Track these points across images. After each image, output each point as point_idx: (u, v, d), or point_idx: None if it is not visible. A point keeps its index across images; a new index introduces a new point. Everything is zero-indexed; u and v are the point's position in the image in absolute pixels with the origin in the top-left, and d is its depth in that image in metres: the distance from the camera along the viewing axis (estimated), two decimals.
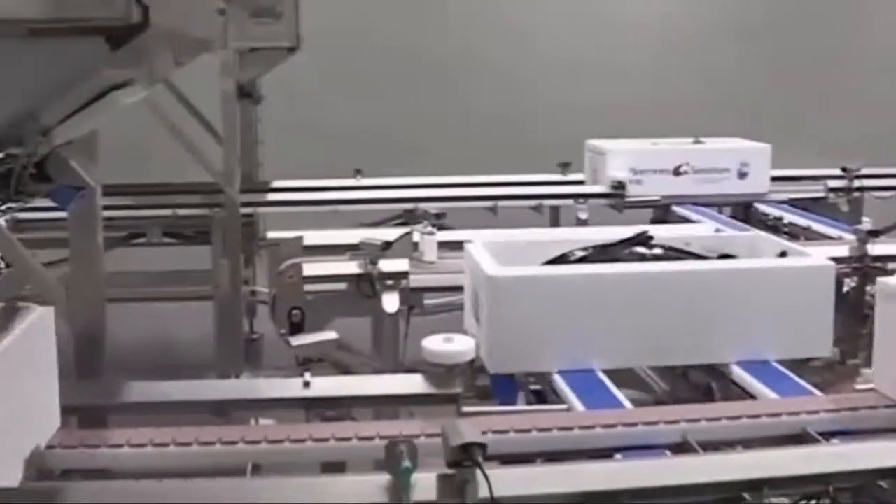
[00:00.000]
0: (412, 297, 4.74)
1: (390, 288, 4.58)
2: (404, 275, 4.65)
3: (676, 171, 7.15)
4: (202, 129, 6.67)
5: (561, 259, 4.17)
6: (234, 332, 5.97)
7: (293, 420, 3.34)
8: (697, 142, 7.42)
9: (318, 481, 2.64)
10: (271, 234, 5.60)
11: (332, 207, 6.66)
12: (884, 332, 3.33)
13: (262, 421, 3.54)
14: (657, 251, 4.25)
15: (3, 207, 2.54)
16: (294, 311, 4.32)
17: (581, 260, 4.16)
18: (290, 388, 3.42)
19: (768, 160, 7.27)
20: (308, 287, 4.45)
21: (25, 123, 2.42)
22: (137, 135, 6.26)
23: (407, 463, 2.39)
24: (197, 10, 2.91)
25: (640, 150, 7.27)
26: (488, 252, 3.99)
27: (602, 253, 4.21)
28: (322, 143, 8.33)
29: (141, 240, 6.48)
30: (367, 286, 4.55)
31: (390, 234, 5.03)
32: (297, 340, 4.05)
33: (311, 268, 4.56)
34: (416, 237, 5.06)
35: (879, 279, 3.56)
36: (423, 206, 6.60)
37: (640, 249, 4.27)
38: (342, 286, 4.60)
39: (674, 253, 4.23)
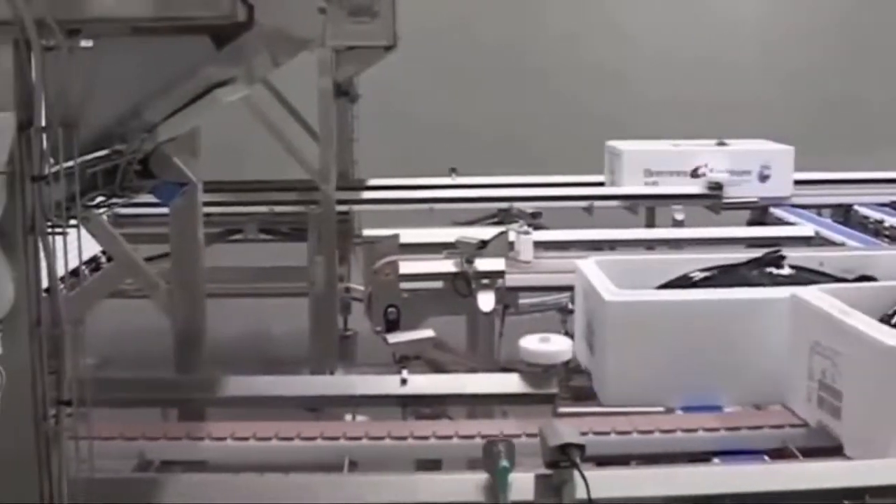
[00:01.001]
0: (507, 297, 4.73)
1: (486, 287, 4.56)
2: (500, 274, 4.63)
3: (694, 173, 7.04)
4: (299, 127, 6.72)
5: (682, 281, 3.79)
6: (328, 329, 6.01)
7: (387, 417, 3.36)
8: (721, 143, 7.26)
9: (415, 478, 2.65)
10: (367, 232, 5.64)
11: (426, 206, 6.66)
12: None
13: (358, 418, 3.57)
14: (786, 271, 3.82)
15: (108, 203, 2.56)
16: (390, 309, 4.32)
17: (705, 281, 3.77)
18: (387, 385, 3.43)
19: (791, 163, 7.08)
20: (404, 285, 4.46)
21: (130, 121, 2.45)
22: (235, 132, 6.32)
23: (505, 462, 2.39)
24: (299, 9, 2.92)
25: (657, 151, 7.15)
26: (604, 272, 3.64)
27: (728, 274, 3.80)
28: (417, 142, 8.35)
29: (238, 236, 6.55)
30: (462, 285, 4.53)
31: (486, 233, 5.02)
32: (394, 338, 4.05)
33: (407, 266, 4.56)
34: (511, 236, 5.04)
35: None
36: (518, 205, 6.59)
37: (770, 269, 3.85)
38: (438, 284, 4.60)
39: (807, 275, 3.78)
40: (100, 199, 2.49)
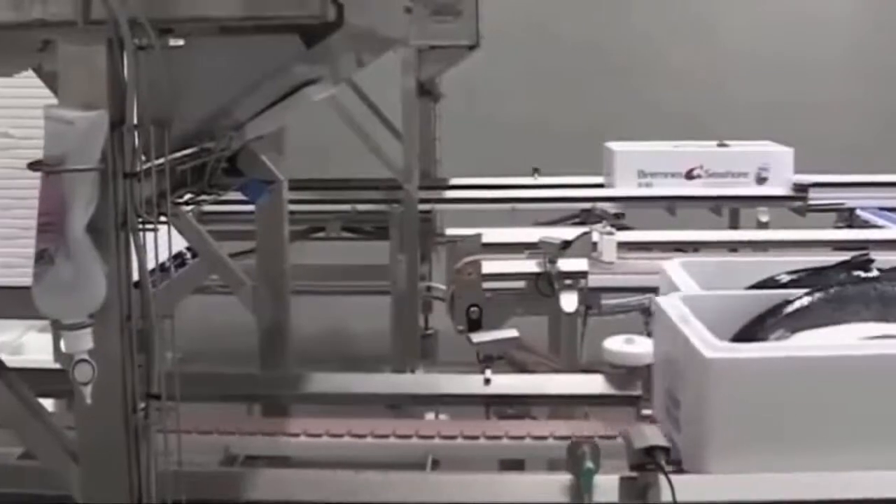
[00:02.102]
0: (590, 297, 4.70)
1: (569, 287, 4.54)
2: (583, 274, 4.61)
3: (689, 175, 6.91)
4: (382, 126, 6.76)
5: (769, 283, 3.40)
6: (409, 328, 6.04)
7: (469, 417, 3.36)
8: (722, 145, 7.13)
9: (500, 479, 2.64)
10: (450, 231, 5.65)
11: (508, 205, 6.65)
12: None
13: (440, 416, 3.57)
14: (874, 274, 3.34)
15: (196, 200, 2.59)
16: (472, 309, 4.32)
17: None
18: (470, 384, 3.43)
19: (790, 165, 6.90)
20: (486, 284, 4.45)
21: (219, 119, 2.48)
22: (319, 131, 6.38)
23: (590, 464, 2.37)
24: (386, 8, 2.93)
25: (650, 152, 7.02)
26: (689, 273, 3.29)
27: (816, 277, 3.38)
28: (500, 141, 8.34)
29: (321, 234, 6.60)
30: (545, 285, 4.51)
31: (568, 233, 5.00)
32: (478, 337, 4.05)
33: (490, 265, 4.56)
34: (594, 237, 5.02)
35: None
36: (600, 205, 6.56)
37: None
38: (520, 284, 4.58)
39: None
40: (188, 196, 2.53)
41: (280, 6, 2.11)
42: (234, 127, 2.57)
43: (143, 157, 2.11)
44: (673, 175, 6.91)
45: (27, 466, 2.78)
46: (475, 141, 7.98)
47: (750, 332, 2.97)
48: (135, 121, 2.09)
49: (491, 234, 4.95)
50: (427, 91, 7.11)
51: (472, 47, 6.73)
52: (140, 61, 2.07)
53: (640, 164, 6.90)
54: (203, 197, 2.55)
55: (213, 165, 2.53)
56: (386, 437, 3.00)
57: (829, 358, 2.66)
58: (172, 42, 2.20)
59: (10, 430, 2.33)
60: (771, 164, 6.94)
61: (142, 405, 2.12)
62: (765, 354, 2.72)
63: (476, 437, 2.99)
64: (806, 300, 3.07)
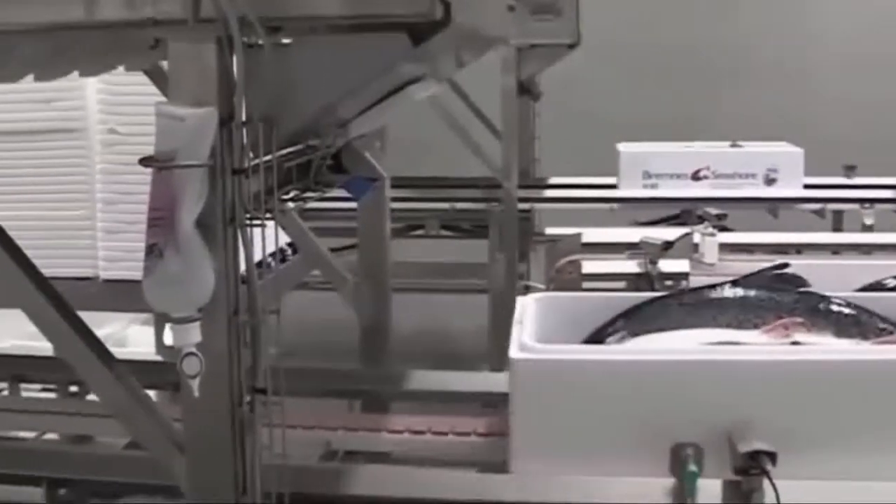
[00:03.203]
0: None
1: (669, 288, 4.50)
2: (684, 276, 4.56)
3: (695, 176, 6.75)
4: (481, 124, 6.76)
5: (876, 287, 3.37)
6: (507, 326, 6.01)
7: None
8: (735, 145, 6.96)
9: (602, 481, 2.62)
10: (549, 231, 5.63)
11: (608, 205, 6.61)
12: None
13: None
14: None
15: (302, 197, 2.62)
16: None
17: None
18: None
19: (800, 166, 6.71)
20: (586, 284, 4.43)
21: (324, 117, 2.50)
22: (418, 128, 6.40)
23: (693, 467, 2.35)
24: (490, 7, 2.93)
25: (656, 153, 6.85)
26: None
27: None
28: (599, 140, 8.27)
29: (419, 231, 6.62)
30: (646, 285, 4.48)
31: (670, 233, 4.95)
32: None
33: (590, 265, 4.53)
34: (696, 238, 4.97)
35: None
36: (701, 206, 6.48)
37: None
38: (620, 285, 4.55)
39: None
40: (294, 192, 2.55)
41: (388, 4, 2.12)
42: (339, 124, 2.59)
43: (251, 154, 2.13)
44: (679, 176, 6.80)
45: (133, 456, 2.84)
46: (574, 140, 7.93)
47: (599, 333, 2.98)
48: (243, 118, 2.11)
49: (591, 234, 4.93)
50: (526, 89, 7.09)
51: (571, 46, 6.69)
52: (249, 59, 2.09)
53: (645, 165, 6.80)
54: (308, 194, 2.58)
55: (318, 162, 2.56)
56: (487, 435, 3.00)
57: (625, 362, 2.63)
58: (282, 40, 2.23)
59: (118, 420, 2.36)
60: (780, 166, 6.80)
61: (247, 398, 2.15)
62: (564, 357, 2.68)
63: None
64: (659, 303, 3.11)
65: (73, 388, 3.89)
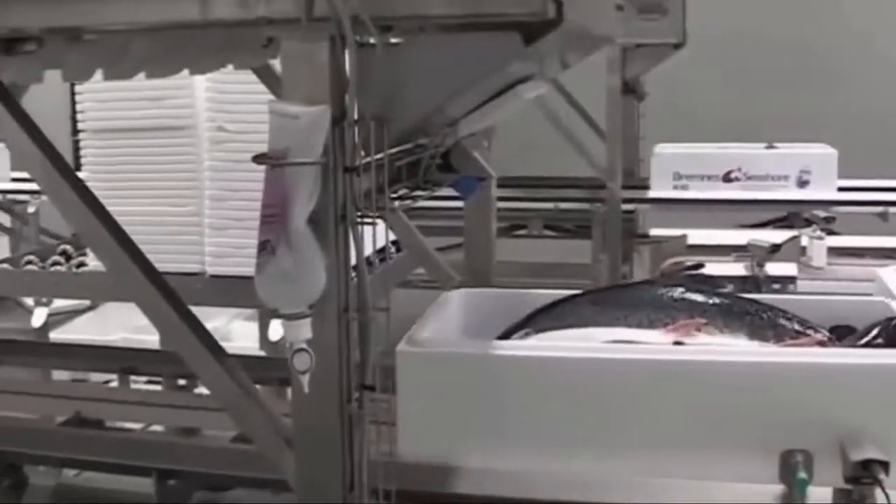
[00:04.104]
0: None
1: (776, 292, 4.45)
2: (792, 279, 4.51)
3: (727, 178, 6.60)
4: (585, 124, 6.74)
5: None
6: None
7: None
8: (770, 147, 6.79)
9: (711, 485, 2.59)
10: (654, 232, 5.59)
11: (712, 206, 6.54)
12: None
13: None
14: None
15: (411, 196, 2.63)
16: None
17: None
18: None
19: (834, 168, 6.52)
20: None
21: (435, 116, 2.51)
22: (522, 128, 6.39)
23: (803, 474, 2.31)
24: (599, 6, 2.92)
25: (687, 154, 6.72)
26: None
27: None
28: (704, 141, 8.20)
29: (522, 231, 6.62)
30: (752, 288, 4.43)
31: (776, 236, 4.90)
32: None
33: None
34: (803, 241, 4.91)
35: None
36: (808, 209, 6.39)
37: None
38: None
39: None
40: (403, 191, 2.56)
41: (500, 3, 2.12)
42: (449, 123, 2.59)
43: (362, 153, 2.15)
44: (709, 178, 6.69)
45: (241, 449, 2.88)
46: (679, 140, 7.86)
47: (512, 330, 2.92)
48: (355, 116, 2.12)
49: (695, 236, 4.90)
50: (631, 89, 7.05)
51: (677, 46, 6.64)
52: (361, 58, 2.10)
53: (675, 166, 6.70)
54: (417, 192, 2.59)
55: (427, 161, 2.57)
56: None
57: (495, 357, 2.59)
58: (393, 39, 2.24)
59: (227, 414, 2.39)
60: (813, 167, 6.65)
61: (356, 395, 2.16)
62: (443, 351, 2.64)
63: None
64: (574, 301, 2.99)
65: (181, 382, 3.96)
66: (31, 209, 8.21)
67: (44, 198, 7.93)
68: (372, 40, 2.10)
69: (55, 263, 5.10)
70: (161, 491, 2.97)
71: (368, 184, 2.16)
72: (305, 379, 2.08)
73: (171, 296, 2.39)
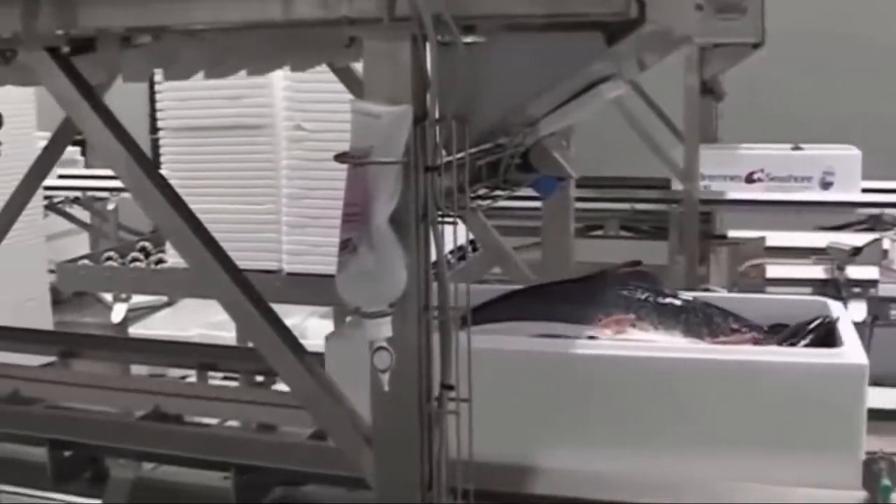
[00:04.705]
0: (879, 307, 4.53)
1: (857, 296, 4.39)
2: (873, 283, 4.44)
3: (749, 178, 6.58)
4: (661, 124, 6.69)
5: None
6: None
7: None
8: (796, 148, 6.63)
9: (789, 491, 2.56)
10: (732, 234, 5.55)
11: (792, 209, 6.47)
12: None
13: None
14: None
15: (491, 195, 2.63)
16: None
17: None
18: None
19: (858, 169, 6.45)
20: (770, 289, 4.34)
21: (515, 115, 2.50)
22: (598, 127, 6.36)
23: (887, 481, 2.28)
24: (680, 5, 2.90)
25: (710, 154, 6.61)
26: None
27: None
28: (783, 142, 8.11)
29: (598, 232, 6.59)
30: (833, 292, 4.37)
31: (857, 239, 4.83)
32: None
33: (774, 269, 4.45)
34: (885, 244, 4.83)
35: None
36: (890, 211, 6.29)
37: None
38: (806, 290, 4.46)
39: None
40: (483, 190, 2.56)
41: (583, 3, 2.10)
42: (529, 123, 2.59)
43: (443, 152, 2.15)
44: (732, 178, 6.63)
45: (319, 446, 2.89)
46: (757, 141, 7.78)
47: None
48: (437, 116, 2.12)
49: (774, 238, 4.84)
50: (709, 90, 7.00)
51: (756, 45, 6.58)
52: (443, 57, 2.10)
53: (700, 166, 6.62)
54: (497, 192, 2.59)
55: (507, 161, 2.56)
56: None
57: None
58: (474, 39, 2.23)
59: (307, 411, 2.41)
60: (837, 169, 6.58)
61: (436, 394, 2.16)
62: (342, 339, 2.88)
63: None
64: (513, 295, 3.12)
65: (259, 378, 3.99)
66: (110, 206, 8.34)
67: (123, 195, 8.07)
68: (454, 40, 2.09)
69: (134, 260, 5.17)
70: (238, 486, 3.00)
71: (449, 183, 2.15)
72: (386, 377, 2.08)
73: (252, 293, 2.41)
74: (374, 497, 2.25)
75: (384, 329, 2.07)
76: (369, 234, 2.03)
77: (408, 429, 2.16)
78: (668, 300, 2.98)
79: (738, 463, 2.59)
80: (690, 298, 3.02)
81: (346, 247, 2.06)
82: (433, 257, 2.17)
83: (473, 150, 2.27)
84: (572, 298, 3.01)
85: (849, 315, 2.94)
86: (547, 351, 2.75)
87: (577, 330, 2.85)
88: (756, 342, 2.81)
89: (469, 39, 2.18)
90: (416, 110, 2.10)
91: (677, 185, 6.32)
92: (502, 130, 2.54)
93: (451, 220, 2.15)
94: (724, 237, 6.23)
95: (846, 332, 2.78)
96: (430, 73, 2.12)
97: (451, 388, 2.14)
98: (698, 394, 2.62)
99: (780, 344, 2.80)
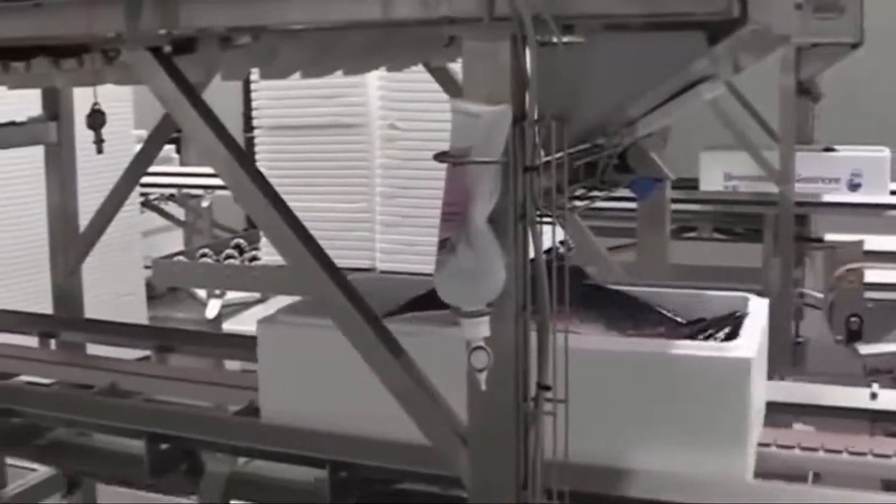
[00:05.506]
0: None
1: None
2: None
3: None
4: (756, 125, 6.61)
5: None
6: (781, 334, 5.87)
7: (848, 431, 3.22)
8: (828, 149, 6.43)
9: (887, 499, 2.52)
10: (829, 237, 5.47)
11: (893, 212, 6.35)
12: None
13: (803, 427, 3.44)
14: None
15: (588, 196, 2.61)
16: (852, 319, 4.16)
17: None
18: (854, 397, 3.29)
19: (887, 171, 6.28)
20: (867, 294, 4.26)
21: (614, 115, 2.49)
22: (692, 128, 6.30)
23: None
24: (781, 5, 2.86)
25: (737, 155, 6.50)
26: None
27: None
28: (881, 144, 7.97)
29: (691, 234, 6.54)
30: None
31: None
32: (866, 349, 3.89)
33: (873, 274, 4.37)
34: None
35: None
36: None
37: None
38: None
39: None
40: (580, 191, 2.55)
41: (684, 3, 2.08)
42: (627, 123, 2.57)
43: (542, 152, 2.14)
44: (759, 179, 6.51)
45: (412, 444, 2.89)
46: (855, 142, 7.65)
47: (393, 312, 3.12)
48: (535, 116, 2.12)
49: (873, 241, 4.75)
50: (806, 90, 6.88)
51: (854, 45, 6.45)
52: (542, 57, 2.09)
53: (726, 166, 6.48)
54: (595, 193, 2.58)
55: (605, 161, 2.55)
56: (767, 445, 2.92)
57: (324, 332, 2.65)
58: (573, 39, 2.22)
59: (402, 409, 2.41)
60: (865, 170, 6.44)
61: (532, 395, 2.16)
62: (287, 324, 3.20)
63: (863, 454, 2.86)
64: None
65: None
66: (204, 203, 8.46)
67: (217, 192, 8.18)
68: (553, 39, 2.08)
69: (229, 257, 5.24)
70: (334, 482, 3.02)
71: (547, 183, 2.15)
72: (483, 377, 2.08)
73: (348, 290, 2.43)
74: (469, 496, 2.25)
75: (482, 329, 2.07)
76: (468, 234, 2.03)
77: (504, 429, 2.16)
78: (592, 293, 3.07)
79: (638, 450, 2.67)
80: (618, 292, 3.11)
81: (444, 246, 2.06)
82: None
83: (572, 150, 2.25)
84: None
85: (764, 311, 3.08)
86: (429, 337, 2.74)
87: None
88: (667, 336, 2.89)
89: (568, 39, 2.16)
90: (516, 110, 2.10)
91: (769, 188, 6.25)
92: (600, 130, 2.53)
93: (548, 220, 2.15)
94: (820, 240, 6.15)
95: (749, 327, 2.89)
96: (530, 72, 2.11)
97: (547, 388, 2.14)
98: (602, 382, 2.67)
99: (691, 338, 2.89)
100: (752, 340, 2.79)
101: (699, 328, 2.99)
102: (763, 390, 3.10)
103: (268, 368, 3.19)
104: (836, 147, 6.86)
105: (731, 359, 2.69)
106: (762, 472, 2.77)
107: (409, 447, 2.66)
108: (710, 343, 2.87)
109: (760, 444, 2.92)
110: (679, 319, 3.04)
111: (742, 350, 2.72)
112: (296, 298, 3.42)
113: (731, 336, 2.87)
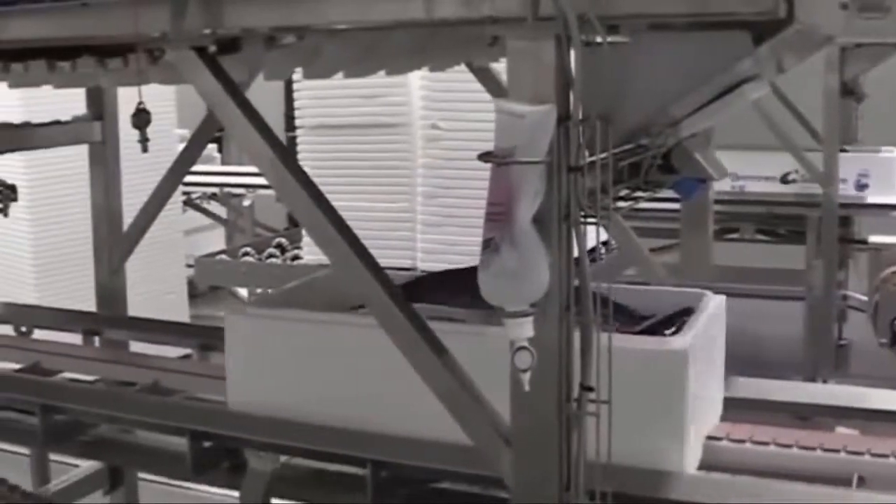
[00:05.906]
0: None
1: None
2: None
3: (784, 179, 6.39)
4: (799, 126, 6.56)
5: None
6: (824, 336, 5.83)
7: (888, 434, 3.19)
8: (843, 150, 6.33)
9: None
10: (873, 239, 5.42)
11: None
12: None
13: (846, 431, 3.41)
14: None
15: (632, 196, 2.60)
16: None
17: None
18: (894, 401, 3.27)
19: (893, 170, 6.22)
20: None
21: (658, 115, 2.48)
22: (735, 129, 6.27)
23: None
24: (827, 5, 2.84)
25: (746, 155, 6.43)
26: None
27: None
28: None
29: (734, 235, 6.50)
30: None
31: None
32: None
33: None
34: None
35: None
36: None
37: None
38: None
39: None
40: (625, 191, 2.54)
41: (730, 3, 2.07)
42: (671, 124, 2.55)
43: (586, 152, 2.13)
44: (767, 178, 6.47)
45: (454, 444, 2.89)
46: None
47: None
48: (580, 116, 2.11)
49: None
50: (850, 91, 6.82)
51: None
52: (586, 57, 2.09)
53: (734, 166, 6.41)
54: (638, 193, 2.56)
55: (649, 162, 2.53)
56: (812, 449, 2.90)
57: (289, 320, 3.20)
58: (618, 38, 2.22)
59: (446, 409, 2.40)
60: (872, 171, 6.36)
61: (575, 395, 2.15)
62: (255, 316, 3.35)
63: None
64: (413, 282, 3.35)
65: None
66: (246, 202, 8.49)
67: (259, 191, 8.22)
68: (598, 39, 2.07)
69: (271, 256, 5.26)
70: (376, 481, 3.02)
71: (591, 183, 2.14)
72: (526, 377, 2.08)
73: (391, 290, 2.43)
74: (512, 497, 2.25)
75: (526, 329, 2.06)
76: (512, 234, 2.03)
77: (547, 429, 2.15)
78: None
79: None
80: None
81: (488, 246, 2.06)
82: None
83: (616, 150, 2.25)
84: (461, 285, 3.04)
85: (718, 307, 3.11)
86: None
87: (472, 316, 2.97)
88: (619, 330, 2.86)
89: (613, 39, 2.16)
90: (560, 110, 2.10)
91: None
92: (645, 130, 2.52)
93: (593, 220, 2.14)
94: (864, 242, 6.10)
95: (695, 321, 2.94)
96: (574, 72, 2.10)
97: (591, 389, 2.13)
98: None
99: (642, 332, 2.96)
100: (692, 334, 2.83)
101: (654, 322, 3.06)
102: (717, 384, 3.16)
103: (235, 359, 3.31)
104: (848, 147, 6.82)
105: (668, 351, 2.73)
106: (805, 476, 2.75)
107: (453, 446, 2.67)
108: (650, 338, 2.90)
109: (804, 447, 2.90)
110: (633, 315, 3.11)
111: (679, 343, 2.77)
112: None
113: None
